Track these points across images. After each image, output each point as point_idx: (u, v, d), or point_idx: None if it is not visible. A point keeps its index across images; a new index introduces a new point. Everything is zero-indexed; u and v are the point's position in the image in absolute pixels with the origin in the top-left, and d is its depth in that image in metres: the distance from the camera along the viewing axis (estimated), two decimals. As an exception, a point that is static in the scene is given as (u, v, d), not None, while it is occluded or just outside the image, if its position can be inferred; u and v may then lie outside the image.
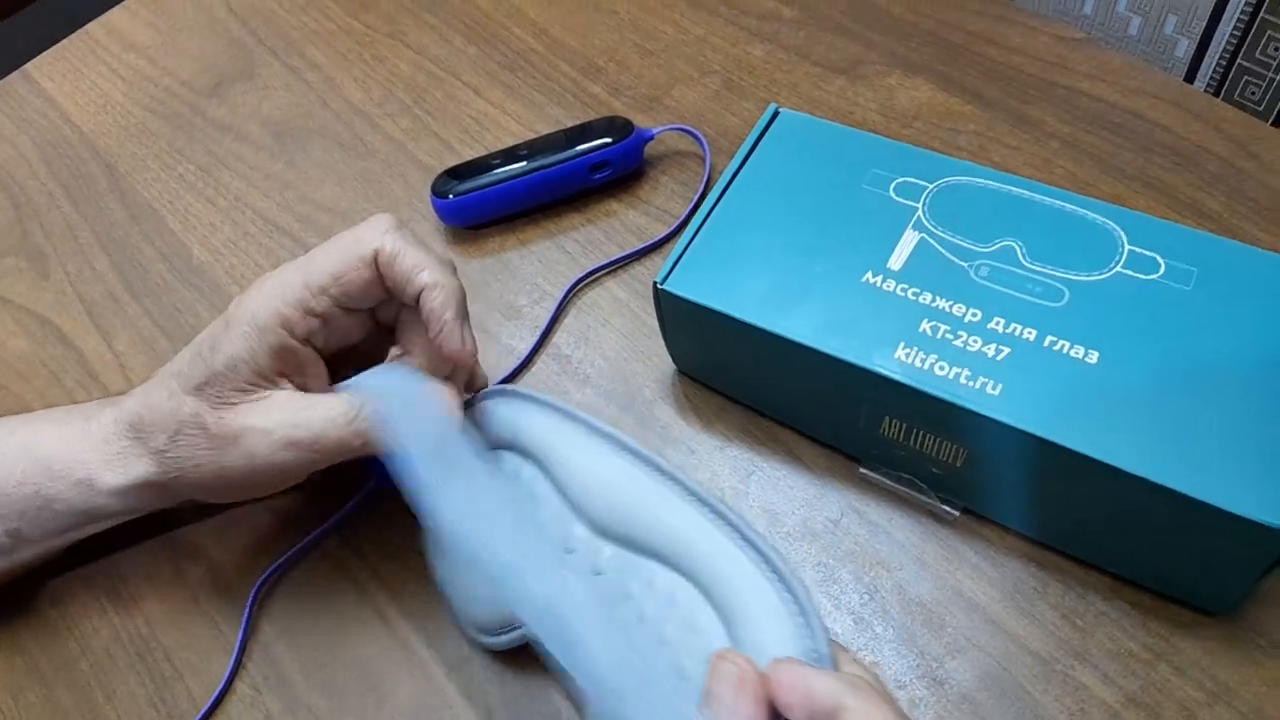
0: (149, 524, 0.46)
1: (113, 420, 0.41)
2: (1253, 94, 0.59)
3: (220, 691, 0.41)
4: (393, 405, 0.38)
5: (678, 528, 0.35)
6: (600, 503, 0.37)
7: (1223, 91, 0.60)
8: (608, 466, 0.37)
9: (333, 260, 0.39)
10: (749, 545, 0.34)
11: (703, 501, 0.35)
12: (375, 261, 0.39)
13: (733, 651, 0.31)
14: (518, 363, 0.50)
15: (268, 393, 0.39)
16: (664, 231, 0.53)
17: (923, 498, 0.43)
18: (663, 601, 0.34)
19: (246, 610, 0.43)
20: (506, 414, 0.41)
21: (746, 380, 0.45)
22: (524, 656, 0.41)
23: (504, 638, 0.39)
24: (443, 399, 0.39)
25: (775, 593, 0.32)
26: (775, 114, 0.47)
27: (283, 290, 0.38)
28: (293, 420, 0.38)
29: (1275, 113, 0.58)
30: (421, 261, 0.39)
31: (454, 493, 0.35)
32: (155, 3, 0.71)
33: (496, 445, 0.41)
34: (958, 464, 0.40)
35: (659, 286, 0.42)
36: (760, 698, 0.29)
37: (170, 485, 0.40)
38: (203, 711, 0.41)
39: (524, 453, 0.40)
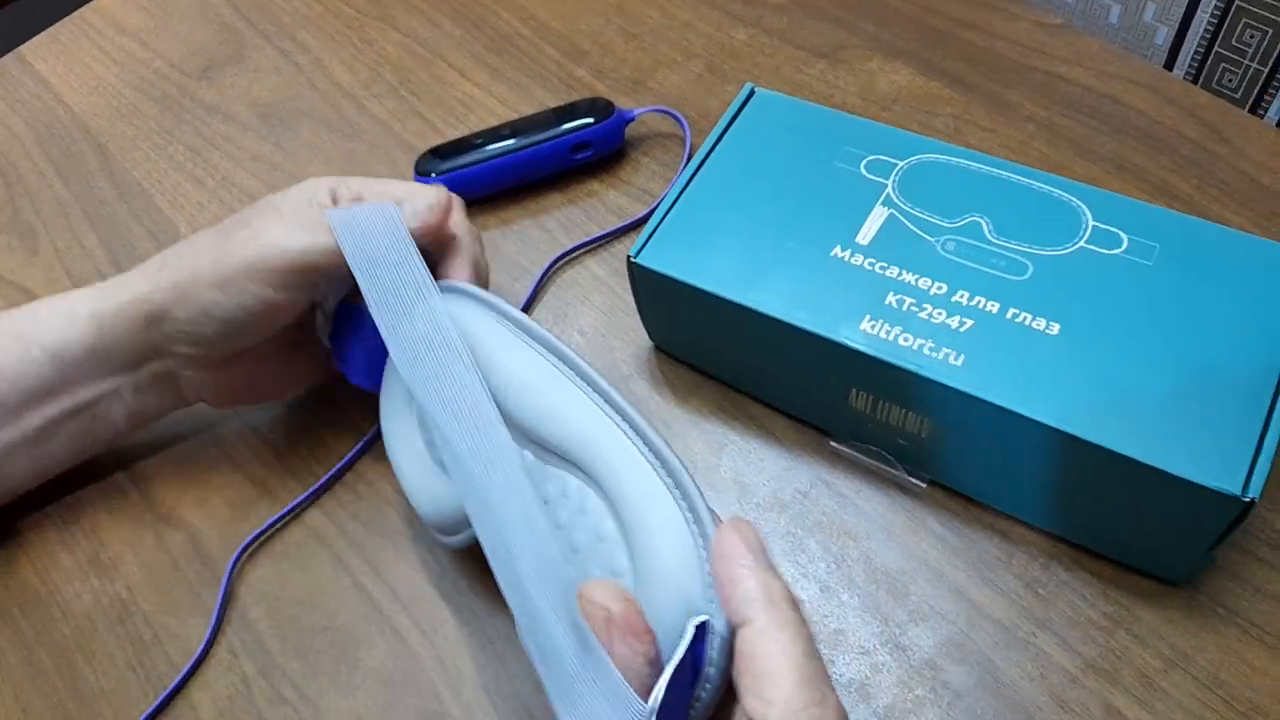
0: (130, 491, 0.47)
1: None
2: (1229, 81, 0.59)
3: (198, 657, 0.42)
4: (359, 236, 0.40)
5: (589, 434, 0.34)
6: (522, 405, 0.36)
7: (1201, 79, 0.61)
8: (531, 368, 0.36)
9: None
10: (656, 457, 0.32)
11: (616, 408, 0.34)
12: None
13: (596, 586, 0.29)
14: (497, 338, 0.50)
15: None
16: (643, 211, 0.54)
17: (891, 470, 0.43)
18: (574, 509, 0.34)
19: (225, 578, 0.44)
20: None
21: (719, 355, 0.46)
22: (498, 620, 0.42)
23: (458, 537, 0.39)
24: (401, 216, 0.40)
25: (678, 511, 0.31)
26: (751, 93, 0.47)
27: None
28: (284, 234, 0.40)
29: (1251, 100, 0.59)
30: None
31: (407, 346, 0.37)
32: (148, -14, 0.72)
33: None
34: (923, 436, 0.41)
35: (632, 260, 0.43)
36: (635, 632, 0.28)
37: (152, 303, 0.41)
38: (180, 675, 0.42)
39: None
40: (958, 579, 0.41)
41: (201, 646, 0.42)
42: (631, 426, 0.33)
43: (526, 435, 0.36)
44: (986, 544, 0.42)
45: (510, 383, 0.36)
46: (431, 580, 0.43)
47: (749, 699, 0.27)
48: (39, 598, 0.45)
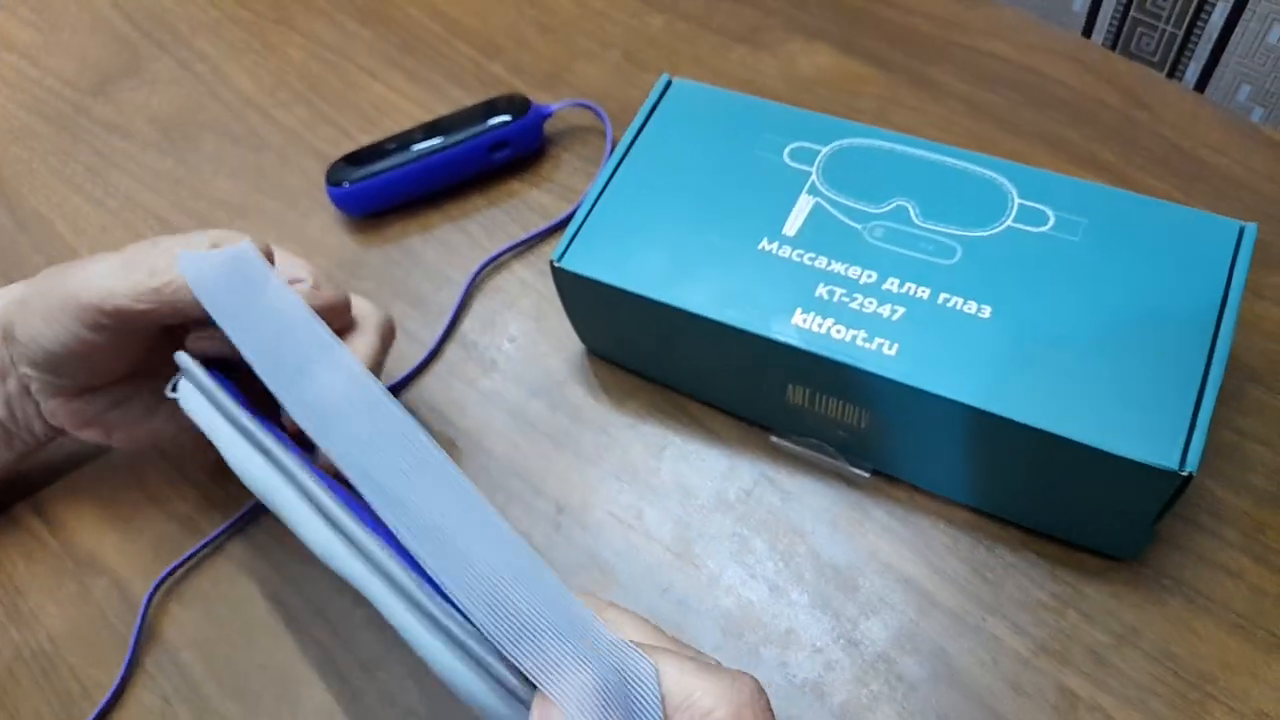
0: (48, 539, 0.45)
1: None
2: (1147, 45, 0.59)
3: (110, 697, 0.40)
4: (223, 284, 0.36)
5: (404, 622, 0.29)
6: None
7: (1119, 44, 0.61)
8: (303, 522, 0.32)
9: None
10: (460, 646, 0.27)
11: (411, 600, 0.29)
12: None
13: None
14: (426, 352, 0.49)
15: None
16: (568, 210, 0.53)
17: (833, 462, 0.43)
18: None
19: (140, 613, 0.42)
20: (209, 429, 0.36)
21: (653, 356, 0.45)
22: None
23: None
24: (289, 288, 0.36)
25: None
26: (668, 84, 0.46)
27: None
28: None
29: (1169, 63, 0.59)
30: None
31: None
32: (35, 1, 0.68)
33: None
34: (863, 427, 0.40)
35: (555, 265, 0.42)
36: None
37: (6, 330, 0.39)
38: (93, 715, 0.40)
39: None
40: (906, 569, 0.41)
41: (114, 686, 0.40)
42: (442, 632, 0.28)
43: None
44: (932, 531, 0.41)
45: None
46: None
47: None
48: (-46, 658, 0.43)
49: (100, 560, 0.44)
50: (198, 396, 0.37)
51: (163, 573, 0.43)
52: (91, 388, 0.41)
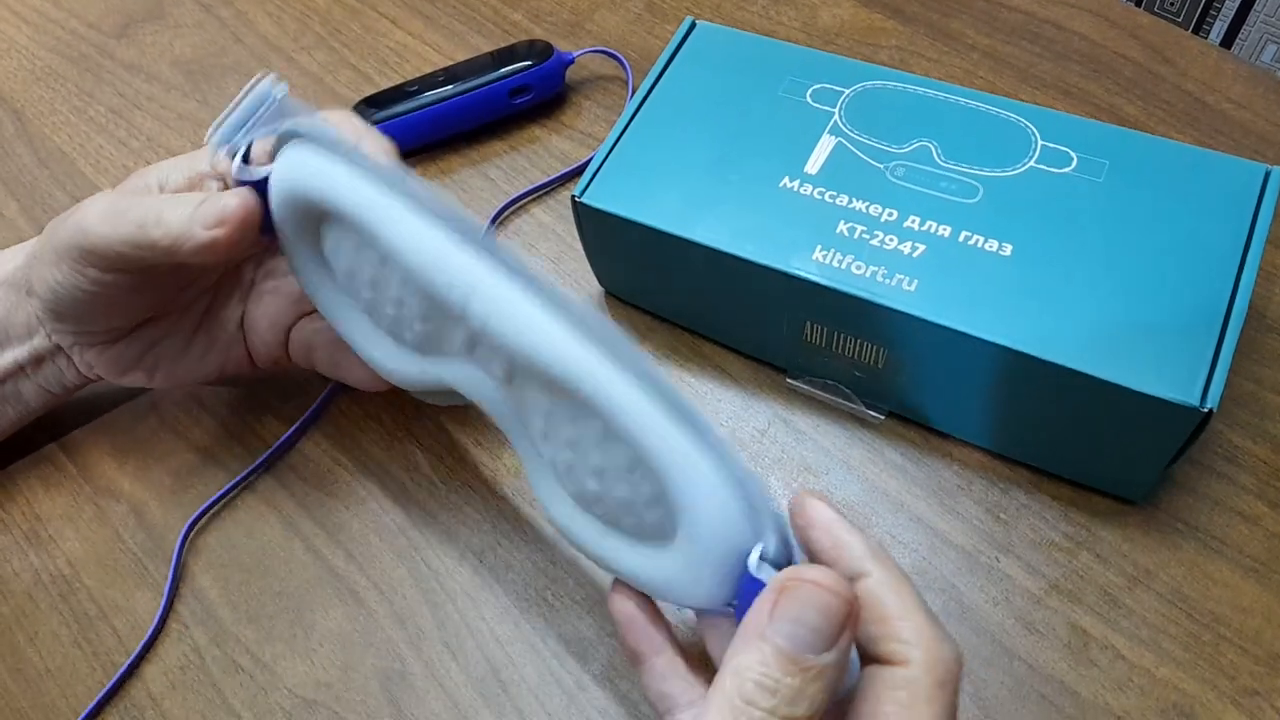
0: (67, 465, 0.45)
1: None
2: (1171, 4, 0.59)
3: (152, 634, 0.40)
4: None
5: (585, 375, 0.28)
6: (488, 315, 0.30)
7: (1142, 2, 0.61)
8: (484, 272, 0.30)
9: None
10: (674, 408, 0.27)
11: (603, 340, 0.28)
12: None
13: (818, 571, 0.25)
14: (443, 291, 0.49)
15: None
16: (588, 155, 0.53)
17: (848, 403, 0.43)
18: (589, 433, 0.29)
19: (176, 551, 0.42)
20: (329, 183, 0.33)
21: (670, 295, 0.45)
22: (456, 576, 0.41)
23: (441, 397, 0.37)
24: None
25: (699, 455, 0.27)
26: (692, 26, 0.46)
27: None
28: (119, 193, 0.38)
29: (1193, 22, 0.59)
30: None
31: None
32: (58, -56, 0.69)
33: (324, 219, 0.35)
34: (879, 366, 0.40)
35: (577, 200, 0.42)
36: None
37: (30, 266, 0.39)
38: (132, 656, 0.40)
39: (361, 235, 0.33)
40: (918, 508, 0.41)
41: (155, 623, 0.41)
42: (633, 371, 0.28)
43: (498, 351, 0.30)
44: (946, 472, 0.41)
45: (453, 286, 0.30)
46: (385, 539, 0.42)
47: (884, 645, 0.26)
48: (-26, 579, 0.43)
49: (118, 487, 0.45)
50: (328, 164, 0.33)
51: (193, 508, 0.43)
52: (122, 331, 0.41)
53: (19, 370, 0.42)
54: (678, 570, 0.29)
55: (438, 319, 0.33)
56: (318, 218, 0.35)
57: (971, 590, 0.39)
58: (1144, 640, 0.37)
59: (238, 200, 0.35)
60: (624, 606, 0.32)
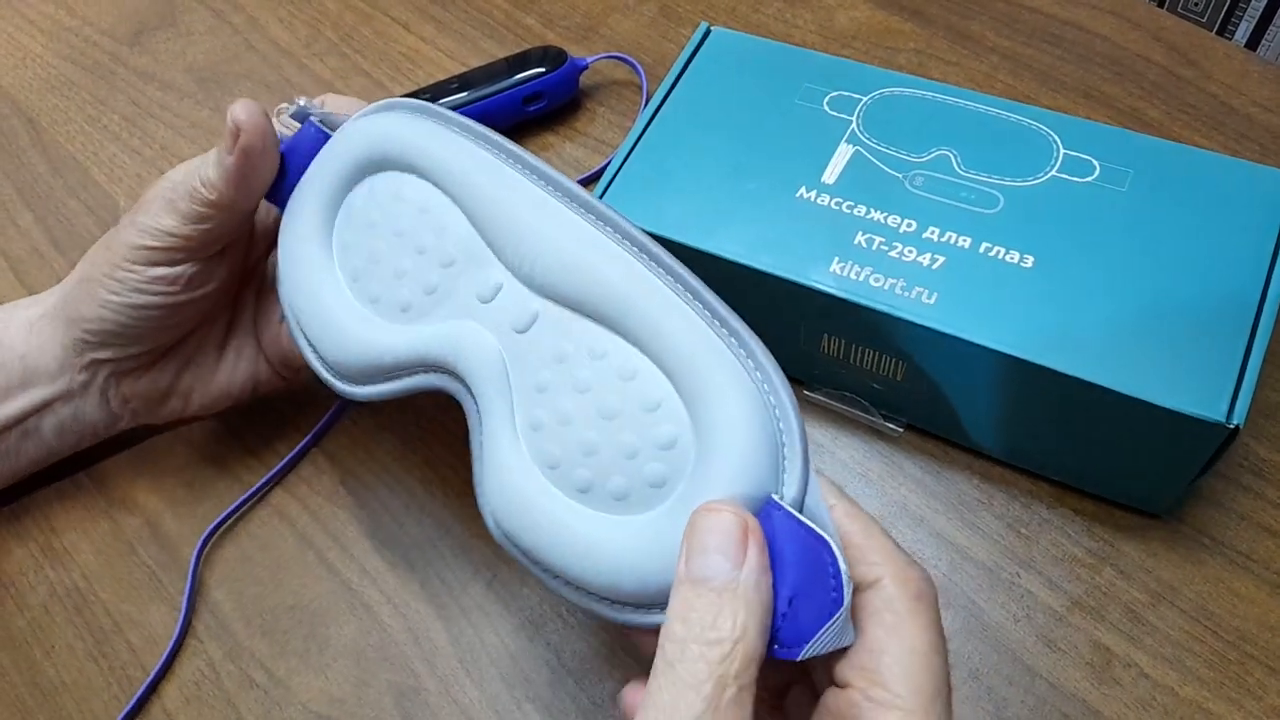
0: (82, 479, 0.45)
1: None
2: (1195, 4, 0.58)
3: (171, 651, 0.40)
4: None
5: (631, 290, 0.29)
6: (531, 246, 0.31)
7: (1165, 2, 0.60)
8: (540, 207, 0.32)
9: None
10: (717, 320, 0.29)
11: (660, 264, 0.30)
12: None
13: (723, 503, 0.26)
14: (456, 301, 0.48)
15: None
16: (601, 163, 0.52)
17: (866, 416, 0.42)
18: (610, 371, 0.29)
19: (192, 566, 0.42)
20: (403, 129, 0.35)
21: (686, 306, 0.45)
22: (470, 591, 0.41)
23: (372, 388, 0.34)
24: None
25: (753, 383, 0.27)
26: (707, 32, 0.46)
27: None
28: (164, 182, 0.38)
29: (1218, 21, 0.58)
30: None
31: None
32: (72, -50, 0.69)
33: (384, 165, 0.35)
34: (898, 378, 0.40)
35: (590, 211, 0.41)
36: (761, 551, 0.25)
37: (68, 301, 0.39)
38: (156, 668, 0.40)
39: (425, 174, 0.34)
40: (938, 523, 0.40)
41: (173, 641, 0.40)
42: (680, 283, 0.29)
43: (538, 285, 0.31)
44: (966, 486, 0.41)
45: (518, 225, 0.31)
46: (399, 553, 0.42)
47: (854, 570, 0.26)
48: (-10, 592, 0.43)
49: (133, 499, 0.45)
50: (440, 132, 0.34)
51: (207, 521, 0.43)
52: (160, 351, 0.41)
53: (43, 407, 0.41)
54: (663, 534, 0.27)
55: (466, 265, 0.33)
56: (373, 168, 0.35)
57: (992, 607, 0.38)
58: (1168, 658, 0.37)
59: (242, 106, 0.36)
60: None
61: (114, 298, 0.38)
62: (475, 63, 0.57)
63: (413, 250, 0.34)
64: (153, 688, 0.40)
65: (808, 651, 0.24)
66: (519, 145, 0.33)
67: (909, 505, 0.41)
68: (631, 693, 0.29)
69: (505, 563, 0.41)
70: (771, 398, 0.27)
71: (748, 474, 0.26)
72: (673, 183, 0.41)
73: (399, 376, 0.34)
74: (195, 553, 0.42)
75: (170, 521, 0.44)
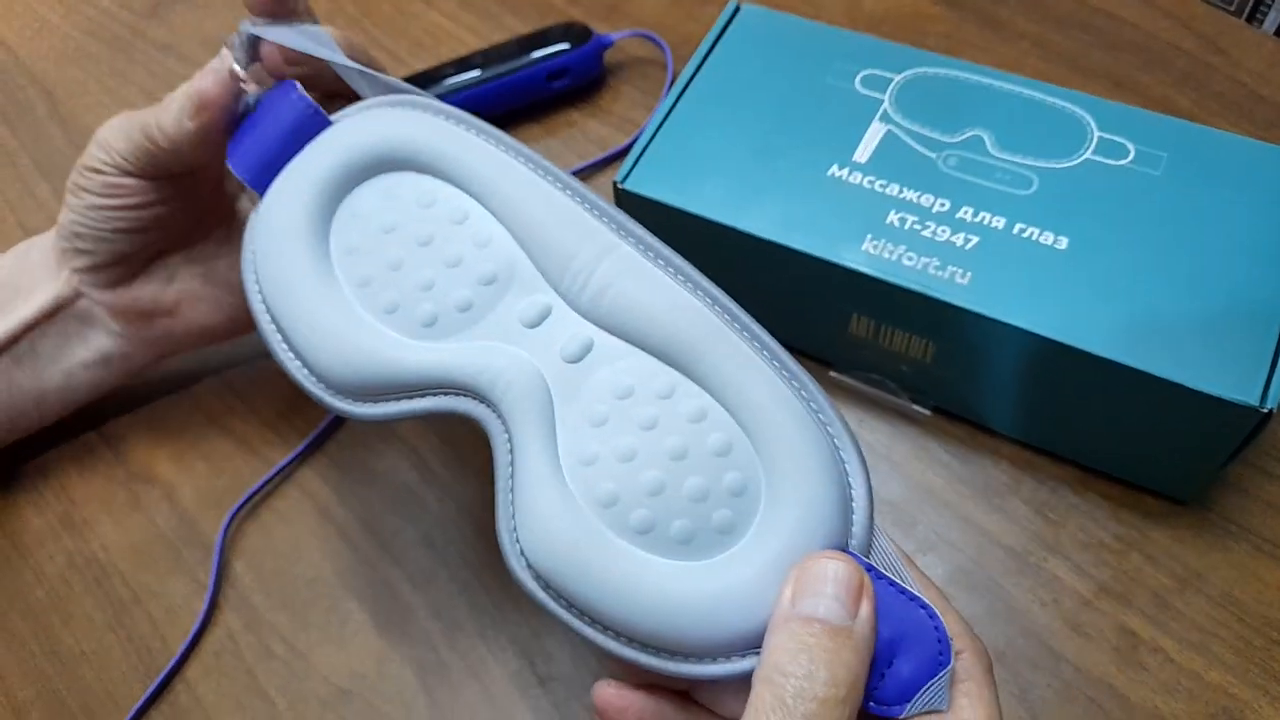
0: (101, 450, 0.45)
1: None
2: (1223, -7, 0.58)
3: (198, 629, 0.40)
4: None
5: (701, 333, 0.29)
6: (596, 276, 0.30)
7: (1192, -9, 0.59)
8: (592, 235, 0.30)
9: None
10: (783, 368, 0.28)
11: (723, 308, 0.29)
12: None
13: (836, 553, 0.26)
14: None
15: None
16: (626, 141, 0.52)
17: (893, 398, 0.42)
18: (679, 413, 0.28)
19: (218, 543, 0.41)
20: (434, 131, 0.32)
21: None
22: (492, 569, 0.40)
23: (378, 408, 0.31)
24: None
25: (822, 434, 0.27)
26: (736, 9, 0.45)
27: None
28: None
29: (1247, 9, 0.57)
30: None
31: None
32: (89, -79, 0.68)
33: (405, 165, 0.32)
34: (927, 360, 0.39)
35: (619, 186, 0.41)
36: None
37: (62, 216, 0.40)
38: (186, 642, 0.40)
39: (460, 184, 0.32)
40: (965, 507, 0.40)
41: (200, 618, 0.40)
42: (746, 330, 0.29)
43: (607, 320, 0.29)
44: (993, 470, 0.41)
45: (574, 251, 0.30)
46: (421, 530, 0.42)
47: None
48: (9, 561, 0.43)
49: (153, 472, 0.44)
50: (481, 145, 0.32)
51: (233, 496, 0.42)
52: (141, 262, 0.41)
53: (33, 325, 0.41)
54: (737, 581, 0.26)
55: (508, 284, 0.30)
56: (389, 166, 0.32)
57: (1019, 591, 0.38)
58: (1194, 644, 0.36)
59: (210, 77, 0.36)
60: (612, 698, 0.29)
61: (76, 201, 0.39)
62: (497, 39, 0.57)
63: (442, 262, 0.31)
64: (178, 666, 0.39)
65: (911, 709, 0.25)
66: (568, 173, 0.32)
67: (935, 489, 0.40)
68: (605, 689, 0.29)
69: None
70: (839, 442, 0.28)
71: (819, 526, 0.26)
72: (702, 160, 0.41)
73: (413, 396, 0.31)
74: (221, 531, 0.42)
75: (189, 493, 0.44)
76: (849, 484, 0.27)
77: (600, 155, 0.51)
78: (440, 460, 0.43)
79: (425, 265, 0.31)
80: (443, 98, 0.51)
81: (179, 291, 0.42)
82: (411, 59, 0.57)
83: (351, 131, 0.33)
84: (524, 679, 0.38)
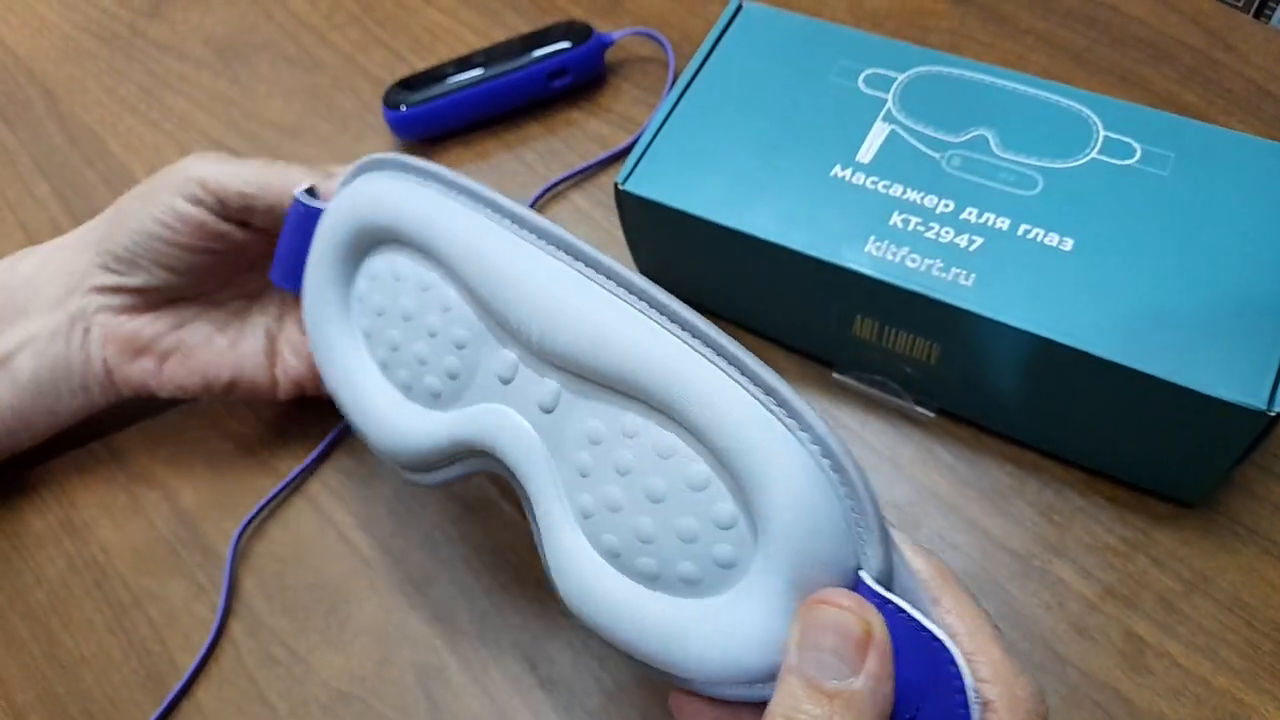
0: (101, 453, 0.45)
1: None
2: (1230, -12, 0.57)
3: (210, 644, 0.40)
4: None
5: (660, 359, 0.26)
6: (536, 318, 0.28)
7: (1199, -14, 0.59)
8: (537, 269, 0.28)
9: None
10: (755, 384, 0.25)
11: (682, 324, 0.26)
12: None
13: (837, 593, 0.24)
14: (479, 278, 0.48)
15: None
16: (627, 140, 0.51)
17: (897, 400, 0.42)
18: (646, 450, 0.26)
19: (229, 555, 0.41)
20: (386, 198, 0.32)
21: (714, 287, 0.44)
22: (493, 573, 0.40)
23: (433, 475, 0.33)
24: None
25: (805, 451, 0.24)
26: (739, 7, 0.45)
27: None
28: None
29: (1255, 4, 0.57)
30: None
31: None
32: (89, -82, 0.68)
33: (375, 239, 0.33)
34: (931, 361, 0.39)
35: (620, 188, 0.41)
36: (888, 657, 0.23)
37: (93, 238, 0.40)
38: (194, 663, 0.39)
39: (416, 248, 0.31)
40: (970, 510, 0.40)
41: (213, 633, 0.40)
42: (708, 344, 0.26)
43: (554, 358, 0.28)
44: (998, 472, 0.40)
45: (525, 294, 0.28)
46: (420, 533, 0.41)
47: None
48: (10, 564, 0.43)
49: (153, 475, 0.44)
50: (440, 199, 0.31)
51: (246, 517, 0.42)
52: (164, 296, 0.41)
53: (27, 343, 0.40)
54: (745, 619, 0.25)
55: (479, 345, 0.30)
56: (368, 245, 0.33)
57: (1024, 595, 0.38)
58: (1201, 648, 0.36)
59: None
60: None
61: (137, 225, 0.39)
62: (498, 37, 0.56)
63: (424, 334, 0.32)
64: (191, 681, 0.39)
65: None
66: (508, 197, 0.30)
67: (940, 491, 0.40)
68: (680, 693, 0.28)
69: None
70: (828, 462, 0.24)
71: (814, 553, 0.24)
72: (704, 160, 0.40)
73: (453, 462, 0.32)
74: (231, 545, 0.41)
75: (189, 496, 0.43)
76: (847, 503, 0.24)
77: (601, 154, 0.51)
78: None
79: (415, 340, 0.32)
80: (444, 96, 0.51)
81: (178, 340, 0.41)
82: (412, 57, 0.57)
83: (331, 217, 0.34)
84: (525, 682, 0.38)
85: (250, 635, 0.40)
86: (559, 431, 0.29)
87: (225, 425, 0.45)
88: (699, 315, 0.26)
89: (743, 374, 0.25)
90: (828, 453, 0.24)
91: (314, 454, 0.43)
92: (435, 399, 0.32)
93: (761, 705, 0.27)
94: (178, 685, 0.39)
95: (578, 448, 0.28)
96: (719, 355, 0.25)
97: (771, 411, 0.25)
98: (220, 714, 0.38)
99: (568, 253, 0.28)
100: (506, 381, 0.30)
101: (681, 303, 0.26)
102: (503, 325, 0.29)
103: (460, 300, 0.31)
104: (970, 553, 0.39)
